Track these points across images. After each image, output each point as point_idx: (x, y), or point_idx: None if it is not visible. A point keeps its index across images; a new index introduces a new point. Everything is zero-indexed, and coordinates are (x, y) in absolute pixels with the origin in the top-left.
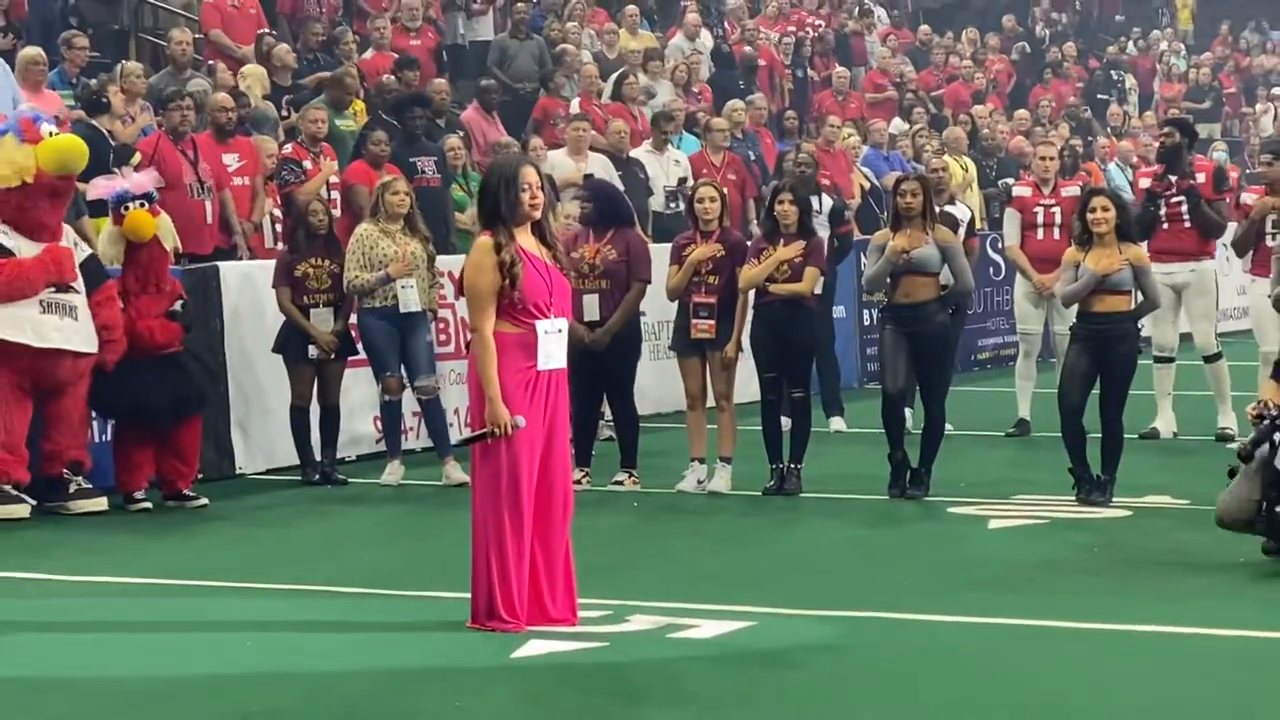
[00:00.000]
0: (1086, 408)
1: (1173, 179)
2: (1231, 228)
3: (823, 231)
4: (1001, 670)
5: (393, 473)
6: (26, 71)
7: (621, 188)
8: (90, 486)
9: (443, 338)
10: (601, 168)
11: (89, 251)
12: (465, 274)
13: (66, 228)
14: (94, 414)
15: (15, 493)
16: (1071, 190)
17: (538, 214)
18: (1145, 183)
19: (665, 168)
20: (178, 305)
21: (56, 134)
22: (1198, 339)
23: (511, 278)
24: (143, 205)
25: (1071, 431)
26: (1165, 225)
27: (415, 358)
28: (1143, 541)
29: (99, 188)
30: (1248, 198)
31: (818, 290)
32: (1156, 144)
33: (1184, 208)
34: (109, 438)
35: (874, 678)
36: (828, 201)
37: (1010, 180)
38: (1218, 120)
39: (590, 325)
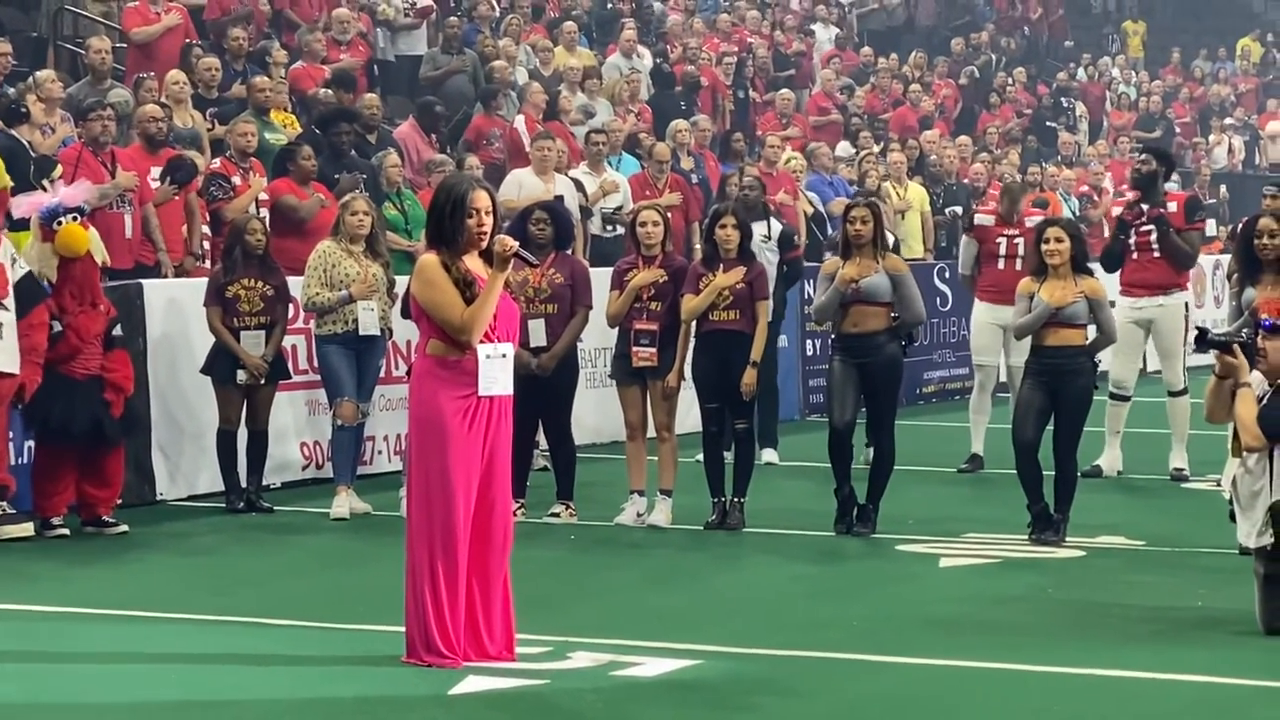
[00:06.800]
0: (1040, 444)
1: (1144, 207)
2: (1204, 260)
3: (773, 257)
4: (953, 713)
5: (343, 503)
6: None
7: (576, 212)
8: (15, 512)
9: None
10: (567, 189)
11: (26, 270)
12: (417, 294)
13: (5, 241)
14: (38, 435)
15: None
16: (1036, 220)
17: (485, 243)
18: (1119, 211)
19: (604, 189)
20: (118, 329)
21: None
22: (1165, 374)
23: (468, 299)
24: (75, 219)
25: (1027, 468)
26: (1134, 255)
27: (362, 381)
28: (1097, 582)
29: (23, 206)
30: None
31: (768, 318)
32: (1109, 172)
33: (1153, 237)
34: (25, 461)
35: None
36: (777, 226)
37: (958, 208)
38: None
39: (535, 351)
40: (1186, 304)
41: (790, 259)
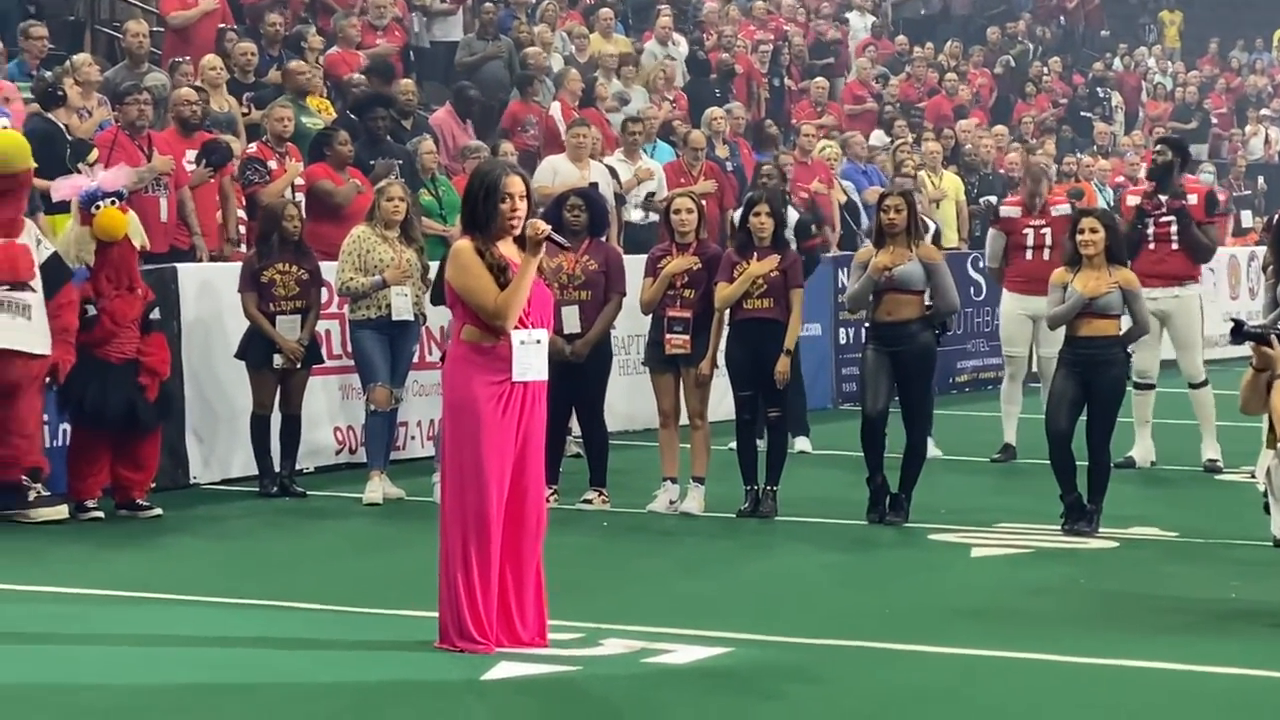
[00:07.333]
0: (1074, 434)
1: (1163, 198)
2: (1223, 252)
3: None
4: (985, 703)
5: (376, 488)
6: None
7: (611, 199)
8: (50, 494)
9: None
10: (602, 175)
11: (51, 250)
12: (451, 280)
13: (29, 223)
14: (72, 418)
15: None
16: (1062, 209)
17: (517, 229)
18: (1134, 200)
19: (639, 177)
20: (155, 312)
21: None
22: (1184, 367)
23: (502, 284)
24: (113, 203)
25: (1060, 458)
26: (1152, 246)
27: (396, 367)
28: (1130, 574)
29: (63, 189)
30: None
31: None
32: (1146, 162)
33: (1173, 229)
34: (61, 443)
35: (855, 709)
36: (793, 215)
37: (994, 198)
38: (1205, 140)
39: (568, 338)
40: (1200, 296)
41: (808, 248)
